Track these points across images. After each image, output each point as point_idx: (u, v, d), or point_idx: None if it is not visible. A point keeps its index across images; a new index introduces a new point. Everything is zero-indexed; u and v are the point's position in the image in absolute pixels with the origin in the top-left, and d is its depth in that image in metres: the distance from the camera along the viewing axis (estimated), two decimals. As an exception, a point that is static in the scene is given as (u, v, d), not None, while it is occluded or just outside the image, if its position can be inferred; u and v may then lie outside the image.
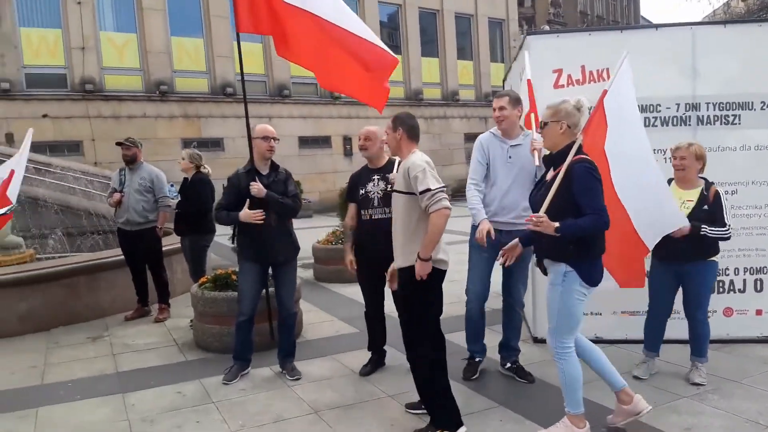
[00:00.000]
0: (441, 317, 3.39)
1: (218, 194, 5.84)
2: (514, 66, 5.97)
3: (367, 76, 4.53)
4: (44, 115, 16.98)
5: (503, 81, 7.07)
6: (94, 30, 17.95)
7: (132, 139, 6.35)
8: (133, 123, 17.87)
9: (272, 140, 4.37)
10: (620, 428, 3.36)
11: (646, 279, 4.17)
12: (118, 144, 6.37)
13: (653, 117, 4.84)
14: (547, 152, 3.44)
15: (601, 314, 4.85)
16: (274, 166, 4.46)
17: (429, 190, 3.09)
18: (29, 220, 9.18)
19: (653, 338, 4.20)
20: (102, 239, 9.47)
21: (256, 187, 4.20)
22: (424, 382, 3.33)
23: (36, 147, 15.88)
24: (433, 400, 3.29)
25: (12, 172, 4.38)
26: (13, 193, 5.48)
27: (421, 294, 3.24)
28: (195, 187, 5.97)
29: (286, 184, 4.42)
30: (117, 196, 6.18)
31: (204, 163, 6.18)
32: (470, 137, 23.45)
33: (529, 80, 4.02)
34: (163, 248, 6.51)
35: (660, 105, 4.82)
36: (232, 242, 5.61)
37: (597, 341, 4.76)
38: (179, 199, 6.09)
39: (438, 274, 3.25)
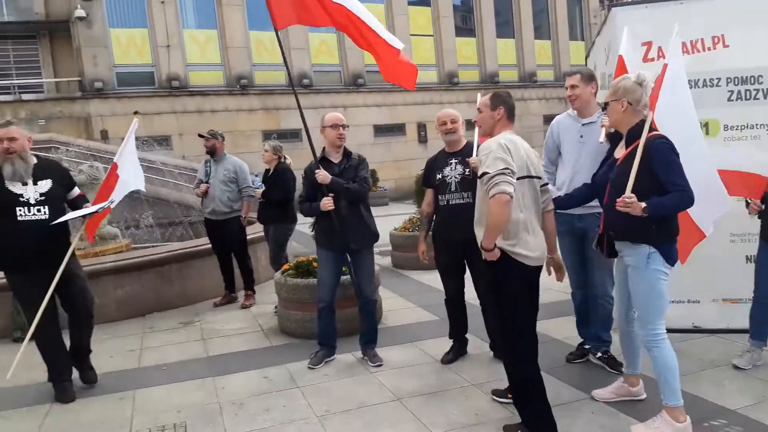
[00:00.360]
0: None
1: (299, 184, 5.96)
2: (597, 41, 5.67)
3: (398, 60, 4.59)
4: (135, 112, 17.87)
5: (585, 58, 6.74)
6: (178, 28, 18.73)
7: (212, 131, 6.58)
8: (217, 117, 18.54)
9: (341, 128, 4.39)
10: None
11: (753, 264, 3.90)
12: (200, 136, 6.63)
13: (754, 89, 4.46)
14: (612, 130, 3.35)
15: (699, 302, 4.54)
16: (346, 153, 4.48)
17: (486, 173, 2.87)
18: (124, 212, 9.73)
19: (760, 326, 3.88)
20: (191, 229, 9.91)
21: (321, 175, 4.23)
22: (513, 388, 3.15)
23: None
24: (519, 401, 3.11)
25: (114, 166, 4.38)
26: (121, 190, 4.45)
27: (503, 287, 3.02)
28: (279, 178, 6.12)
29: (357, 169, 4.41)
30: (203, 186, 6.43)
31: (284, 154, 6.34)
32: (549, 119, 22.73)
33: (621, 56, 3.79)
34: (248, 237, 6.72)
35: (762, 76, 4.43)
36: (312, 230, 5.72)
37: (695, 331, 4.51)
38: (263, 188, 6.25)
39: (520, 268, 2.98)
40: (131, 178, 4.52)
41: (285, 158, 6.32)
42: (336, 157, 4.44)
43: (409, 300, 6.26)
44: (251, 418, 3.59)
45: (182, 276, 6.76)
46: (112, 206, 4.33)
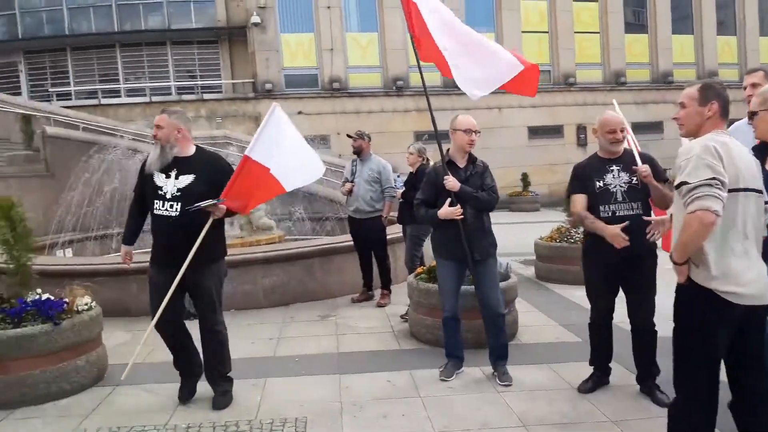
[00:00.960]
0: None
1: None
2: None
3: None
4: (299, 112, 19.10)
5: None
6: (341, 32, 19.59)
7: (360, 132, 6.72)
8: (372, 117, 19.10)
9: (474, 133, 4.18)
10: None
11: None
12: (348, 136, 6.80)
13: None
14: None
15: None
16: (471, 159, 4.28)
17: (686, 183, 2.36)
18: (279, 205, 10.35)
19: None
20: (339, 225, 10.26)
21: (451, 181, 4.04)
22: None
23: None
24: None
25: (245, 159, 3.85)
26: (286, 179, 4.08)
27: (690, 321, 2.50)
28: (420, 179, 6.08)
29: (483, 177, 4.21)
30: (348, 185, 6.58)
31: (428, 156, 6.31)
32: (732, 123, 20.37)
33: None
34: (388, 236, 6.74)
35: None
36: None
37: None
38: (404, 189, 6.26)
39: (721, 305, 2.41)
40: (291, 170, 4.09)
41: (428, 160, 6.27)
42: (462, 162, 4.25)
43: (550, 316, 5.83)
44: (369, 423, 3.54)
45: (325, 270, 6.98)
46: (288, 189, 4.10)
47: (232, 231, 8.84)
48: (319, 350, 5.00)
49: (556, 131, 21.04)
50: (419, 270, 5.38)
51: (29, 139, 12.75)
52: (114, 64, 20.21)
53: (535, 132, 20.73)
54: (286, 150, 4.07)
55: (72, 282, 4.64)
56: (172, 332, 3.87)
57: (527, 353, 4.71)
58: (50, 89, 19.67)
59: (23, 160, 11.92)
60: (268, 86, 18.92)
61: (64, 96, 19.57)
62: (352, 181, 6.58)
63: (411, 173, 6.27)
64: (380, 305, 6.41)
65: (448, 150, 4.31)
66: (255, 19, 18.61)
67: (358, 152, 6.63)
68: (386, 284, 6.64)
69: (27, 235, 4.35)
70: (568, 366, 4.37)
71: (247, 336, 5.42)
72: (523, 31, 20.73)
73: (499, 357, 4.22)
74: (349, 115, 19.26)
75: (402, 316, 5.71)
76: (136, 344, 5.15)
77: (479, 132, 4.24)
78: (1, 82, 20.42)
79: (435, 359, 4.49)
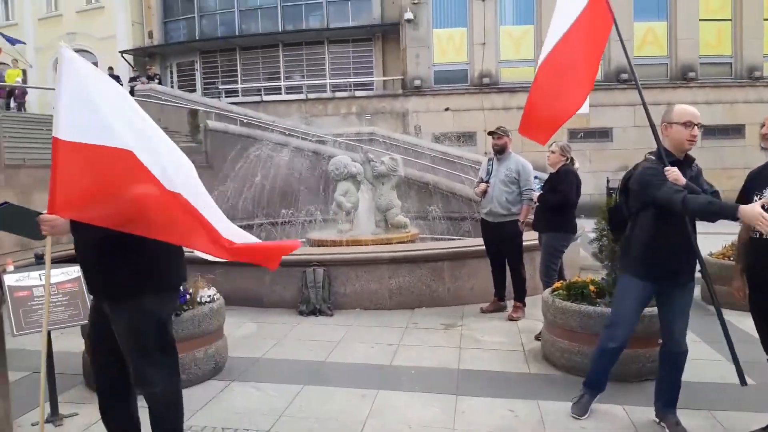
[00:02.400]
0: None
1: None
2: None
3: None
4: (446, 109, 18.83)
5: None
6: (495, 25, 18.92)
7: (504, 129, 6.20)
8: (521, 114, 18.22)
9: (695, 127, 3.30)
10: None
11: None
12: (490, 133, 6.30)
13: None
14: None
15: None
16: (689, 160, 3.43)
17: None
18: (417, 203, 10.15)
19: None
20: (476, 226, 9.80)
21: (674, 173, 3.22)
22: None
23: (438, 138, 17.89)
24: None
25: (54, 143, 2.55)
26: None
27: None
28: (559, 180, 5.52)
29: (698, 181, 3.37)
30: (483, 186, 6.11)
31: (573, 156, 5.68)
32: None
33: None
34: (524, 243, 6.17)
35: None
36: (599, 245, 4.89)
37: None
38: (540, 192, 5.71)
39: None
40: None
41: (572, 160, 5.65)
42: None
43: (716, 349, 4.89)
44: (481, 459, 3.12)
45: (454, 275, 6.59)
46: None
47: (368, 227, 8.79)
48: (439, 363, 4.63)
49: (735, 131, 18.52)
50: (557, 285, 4.78)
51: (195, 131, 13.89)
52: (276, 63, 21.46)
53: (709, 132, 18.36)
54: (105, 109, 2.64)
55: (211, 270, 4.71)
56: (102, 389, 2.89)
57: (682, 394, 3.92)
58: (220, 86, 21.37)
59: (188, 151, 12.93)
60: (416, 83, 18.87)
61: (233, 93, 21.19)
62: (487, 181, 6.10)
63: (552, 174, 5.67)
64: (511, 319, 5.87)
65: (659, 151, 3.43)
66: (408, 15, 18.65)
67: (501, 151, 6.12)
68: (520, 296, 6.07)
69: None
70: (733, 415, 3.57)
71: (367, 339, 5.23)
72: (701, 19, 18.53)
73: (671, 401, 3.49)
74: (498, 111, 18.54)
75: (537, 336, 5.14)
76: (260, 338, 5.26)
77: (701, 126, 3.38)
78: (182, 80, 22.65)
79: (568, 390, 3.93)
